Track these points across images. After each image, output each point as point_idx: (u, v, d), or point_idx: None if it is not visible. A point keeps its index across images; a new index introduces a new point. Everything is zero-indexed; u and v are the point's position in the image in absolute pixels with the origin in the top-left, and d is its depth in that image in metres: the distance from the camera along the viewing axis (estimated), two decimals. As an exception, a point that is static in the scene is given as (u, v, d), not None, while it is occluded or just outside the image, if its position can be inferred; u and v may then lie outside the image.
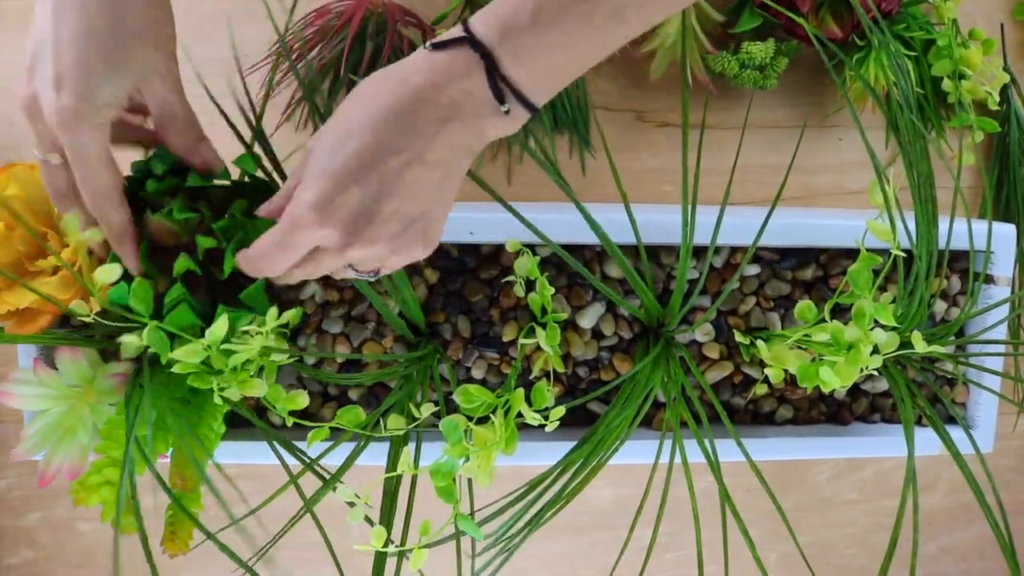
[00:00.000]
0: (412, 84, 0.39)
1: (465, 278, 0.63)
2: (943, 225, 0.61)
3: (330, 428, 0.55)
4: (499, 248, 0.64)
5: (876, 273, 0.59)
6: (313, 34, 0.71)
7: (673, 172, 0.82)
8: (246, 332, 0.52)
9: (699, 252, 0.65)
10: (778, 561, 0.92)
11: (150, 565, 0.48)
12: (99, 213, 0.46)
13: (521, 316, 0.64)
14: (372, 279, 0.49)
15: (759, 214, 0.60)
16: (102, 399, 0.54)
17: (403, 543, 0.54)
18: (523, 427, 0.58)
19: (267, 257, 0.43)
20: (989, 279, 0.67)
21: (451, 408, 0.60)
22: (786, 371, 0.61)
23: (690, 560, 0.92)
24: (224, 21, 0.76)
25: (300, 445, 0.57)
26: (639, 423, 0.60)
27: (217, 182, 0.53)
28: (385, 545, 0.52)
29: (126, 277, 0.50)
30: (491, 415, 0.55)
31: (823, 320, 0.59)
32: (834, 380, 0.56)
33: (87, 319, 0.51)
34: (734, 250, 0.66)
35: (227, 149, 0.54)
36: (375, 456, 0.59)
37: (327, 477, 0.54)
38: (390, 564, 0.54)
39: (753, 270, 0.66)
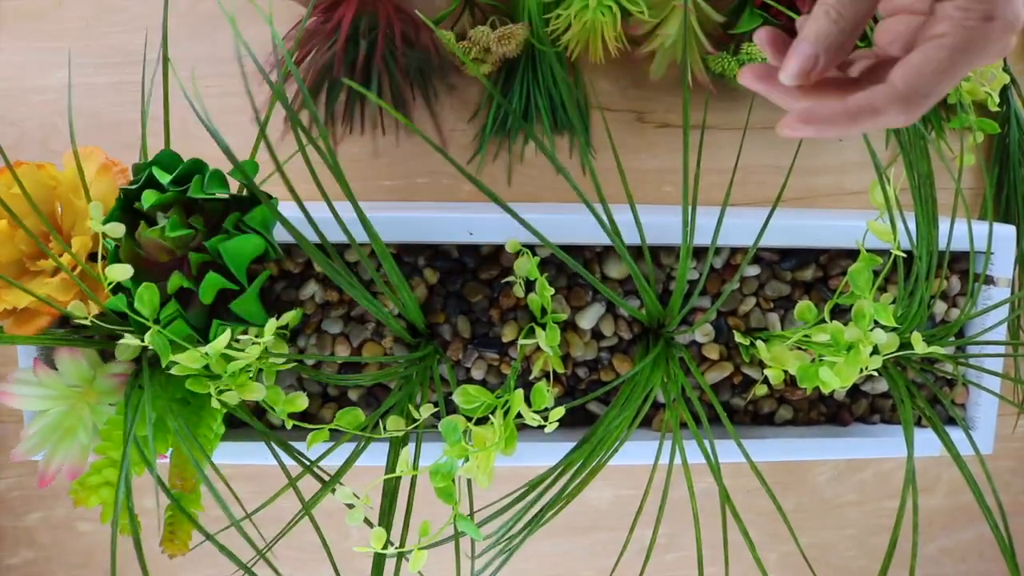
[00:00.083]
0: None
1: (465, 279, 0.63)
2: (943, 226, 0.61)
3: (329, 430, 0.55)
4: (499, 248, 0.64)
5: (876, 274, 0.59)
6: (308, 36, 0.71)
7: (673, 173, 0.82)
8: (242, 339, 0.52)
9: (699, 253, 0.65)
10: (778, 562, 0.92)
11: (141, 566, 0.48)
12: None
13: (521, 317, 0.64)
14: None
15: (759, 215, 0.60)
16: (102, 399, 0.54)
17: (402, 544, 0.54)
18: (522, 428, 0.58)
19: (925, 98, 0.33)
20: (989, 280, 0.67)
21: (451, 409, 0.60)
22: (786, 372, 0.61)
23: (690, 561, 0.92)
24: (224, 21, 0.76)
25: (299, 446, 0.57)
26: (639, 424, 0.60)
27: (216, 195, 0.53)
28: (384, 547, 0.52)
29: (131, 282, 0.50)
30: (490, 416, 0.55)
31: (823, 321, 0.59)
32: (834, 381, 0.56)
33: (85, 321, 0.51)
34: (734, 251, 0.66)
35: (237, 147, 0.54)
36: (375, 457, 0.59)
37: (326, 479, 0.54)
38: (389, 565, 0.54)
39: (753, 271, 0.66)
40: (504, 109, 0.78)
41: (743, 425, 0.68)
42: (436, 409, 0.58)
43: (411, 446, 0.58)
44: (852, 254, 0.66)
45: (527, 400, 0.57)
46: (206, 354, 0.50)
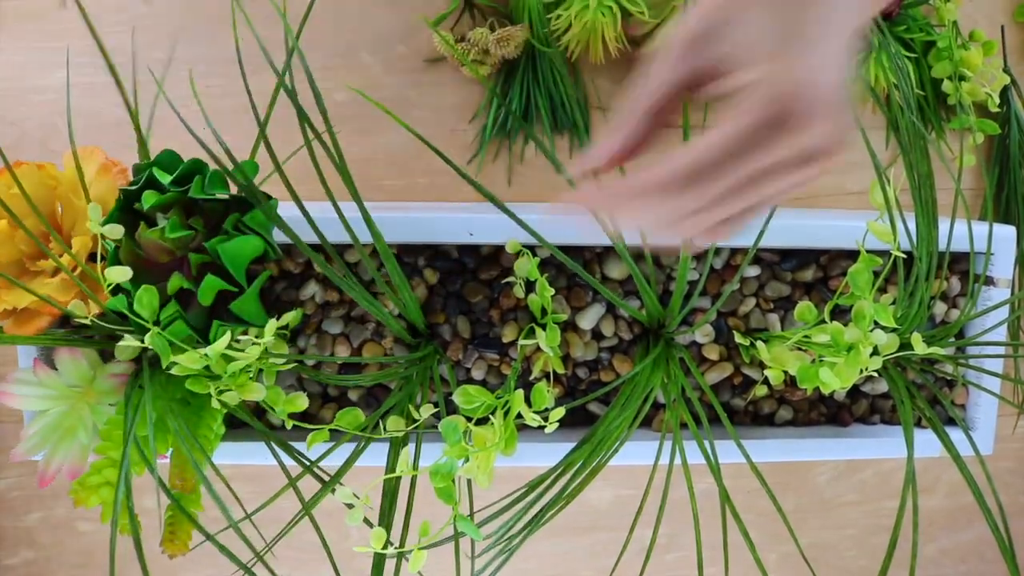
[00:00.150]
0: None
1: (465, 279, 0.63)
2: (943, 226, 0.61)
3: (329, 430, 0.55)
4: (499, 249, 0.64)
5: (876, 274, 0.59)
6: None
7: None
8: (242, 340, 0.52)
9: (699, 253, 0.65)
10: (778, 562, 0.92)
11: (141, 566, 0.48)
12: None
13: (521, 317, 0.64)
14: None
15: (759, 215, 0.60)
16: (102, 399, 0.54)
17: (402, 544, 0.54)
18: (523, 428, 0.58)
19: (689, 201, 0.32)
20: (989, 281, 0.67)
21: (451, 409, 0.60)
22: (786, 372, 0.61)
23: (690, 561, 0.92)
24: (224, 21, 0.76)
25: (299, 446, 0.57)
26: (639, 424, 0.60)
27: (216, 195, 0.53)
28: (384, 547, 0.52)
29: (131, 284, 0.50)
30: (491, 416, 0.55)
31: (823, 321, 0.59)
32: (834, 381, 0.56)
33: (85, 321, 0.51)
34: (734, 251, 0.66)
35: (237, 147, 0.54)
36: (375, 457, 0.59)
37: (326, 479, 0.54)
38: (389, 565, 0.54)
39: (753, 271, 0.66)
40: (504, 110, 0.78)
41: (743, 426, 0.68)
42: (436, 409, 0.58)
43: (411, 446, 0.58)
44: (852, 255, 0.66)
45: (527, 400, 0.57)
46: (206, 355, 0.50)
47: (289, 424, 0.56)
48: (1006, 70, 0.85)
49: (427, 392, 0.60)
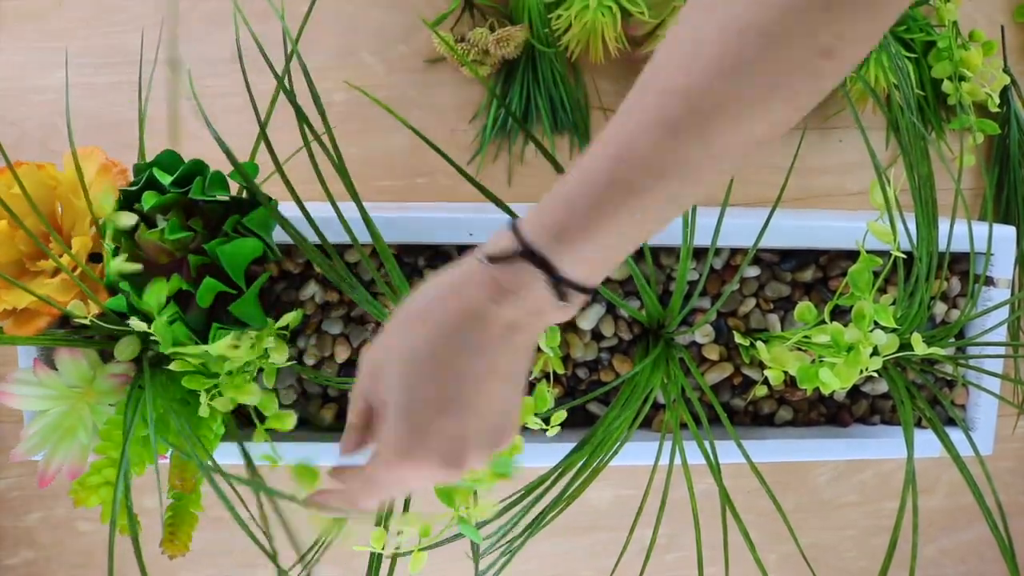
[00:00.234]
0: (472, 300, 0.38)
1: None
2: (943, 227, 0.61)
3: (329, 430, 0.55)
4: (499, 249, 0.63)
5: (876, 275, 0.59)
6: None
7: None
8: (242, 340, 0.52)
9: (699, 254, 0.65)
10: (778, 562, 0.92)
11: (140, 567, 0.48)
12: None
13: (521, 317, 0.63)
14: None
15: (759, 215, 0.60)
16: (102, 399, 0.54)
17: (399, 544, 0.54)
18: (523, 429, 0.58)
19: (358, 498, 0.42)
20: (989, 281, 0.67)
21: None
22: (786, 373, 0.61)
23: (690, 561, 0.92)
24: (224, 22, 0.76)
25: (300, 447, 0.57)
26: (639, 424, 0.60)
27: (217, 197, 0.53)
28: (383, 547, 0.52)
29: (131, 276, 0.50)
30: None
31: (823, 322, 0.59)
32: (834, 382, 0.56)
33: (85, 321, 0.51)
34: (734, 252, 0.66)
35: (237, 147, 0.54)
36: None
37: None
38: (385, 563, 0.54)
39: (753, 272, 0.66)
40: (504, 110, 0.78)
41: (743, 426, 0.68)
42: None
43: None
44: (852, 255, 0.66)
45: (527, 401, 0.57)
46: (207, 351, 0.50)
47: (263, 438, 0.56)
48: (1006, 70, 0.85)
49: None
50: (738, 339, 0.65)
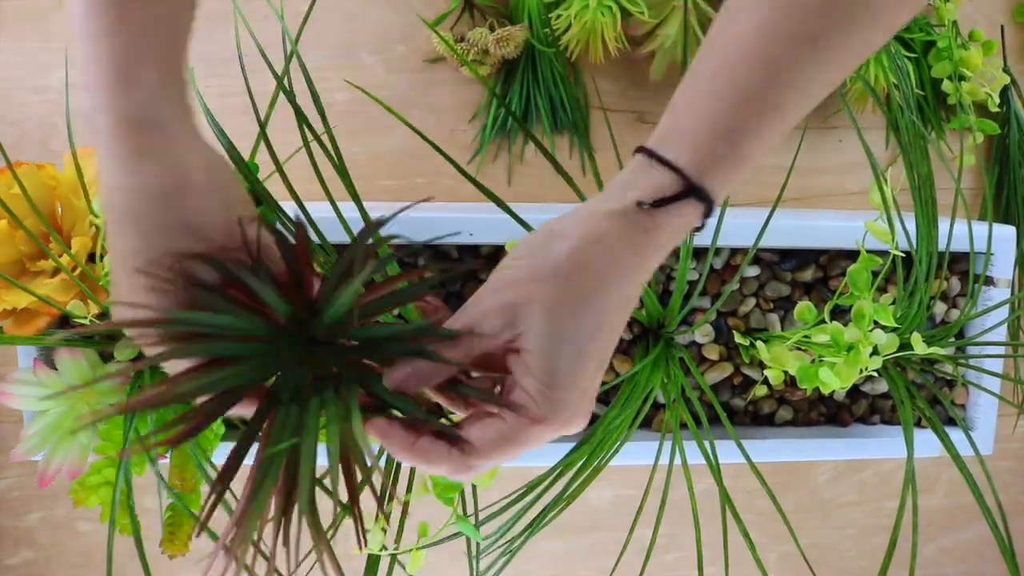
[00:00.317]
0: (638, 250, 0.36)
1: (465, 279, 0.63)
2: (943, 226, 0.61)
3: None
4: (499, 249, 0.64)
5: (876, 274, 0.59)
6: None
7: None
8: None
9: (699, 253, 0.65)
10: (777, 562, 0.92)
11: (143, 566, 0.48)
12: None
13: (521, 317, 0.63)
14: None
15: (759, 215, 0.60)
16: (102, 399, 0.54)
17: (398, 542, 0.54)
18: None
19: (489, 466, 0.38)
20: (989, 281, 0.67)
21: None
22: (786, 372, 0.61)
23: (690, 561, 0.92)
24: (224, 21, 0.76)
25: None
26: (639, 424, 0.60)
27: None
28: (381, 548, 0.52)
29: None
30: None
31: (823, 321, 0.59)
32: (834, 381, 0.56)
33: (85, 321, 0.51)
34: (734, 251, 0.66)
35: (237, 147, 0.54)
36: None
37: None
38: (384, 562, 0.54)
39: (753, 271, 0.66)
40: (504, 110, 0.78)
41: (743, 426, 0.68)
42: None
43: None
44: (852, 255, 0.66)
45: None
46: None
47: None
48: (1006, 70, 0.85)
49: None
50: (738, 339, 0.65)
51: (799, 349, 0.61)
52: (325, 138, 0.53)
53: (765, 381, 0.66)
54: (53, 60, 0.76)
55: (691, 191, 0.36)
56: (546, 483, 0.58)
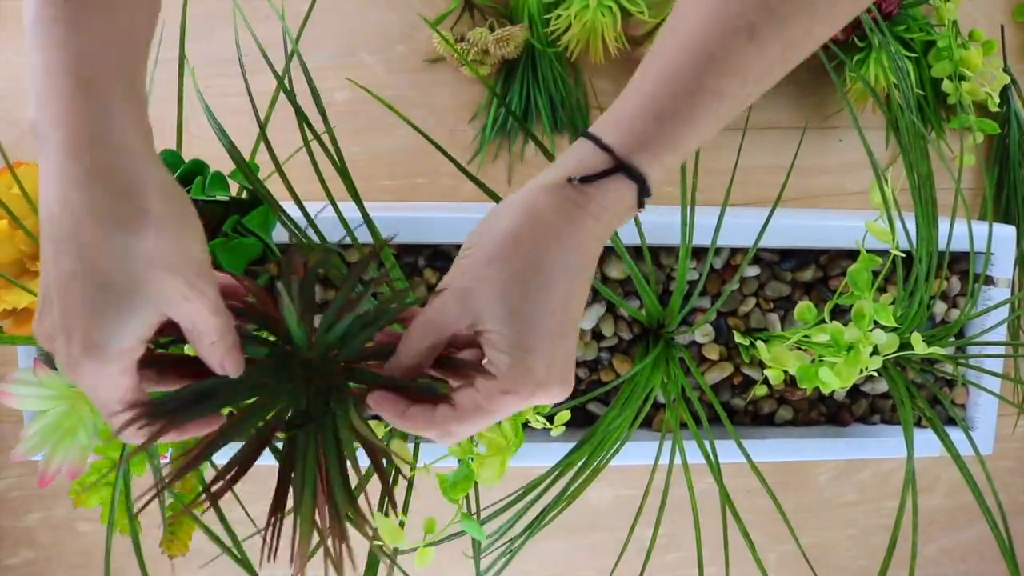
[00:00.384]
0: (573, 220, 0.38)
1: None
2: (943, 226, 0.61)
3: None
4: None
5: (876, 274, 0.59)
6: None
7: (674, 172, 0.82)
8: None
9: (699, 253, 0.65)
10: (778, 561, 0.92)
11: (140, 566, 0.48)
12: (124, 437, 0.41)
13: (521, 317, 0.63)
14: None
15: (759, 215, 0.60)
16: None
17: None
18: (524, 427, 0.58)
19: (464, 432, 0.40)
20: (989, 280, 0.67)
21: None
22: (786, 372, 0.61)
23: (690, 561, 0.92)
24: (224, 21, 0.76)
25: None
26: (639, 424, 0.60)
27: (216, 197, 0.53)
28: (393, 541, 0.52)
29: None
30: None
31: (823, 321, 0.59)
32: (834, 381, 0.56)
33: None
34: (734, 251, 0.66)
35: (235, 151, 0.54)
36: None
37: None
38: (383, 562, 0.54)
39: (753, 271, 0.66)
40: (504, 109, 0.78)
41: (743, 425, 0.68)
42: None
43: (410, 445, 0.58)
44: (852, 254, 0.66)
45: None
46: None
47: None
48: (1006, 70, 0.85)
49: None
50: (738, 339, 0.65)
51: (799, 349, 0.61)
52: (325, 138, 0.53)
53: (765, 381, 0.66)
54: (53, 60, 0.76)
55: (619, 168, 0.38)
56: (547, 483, 0.58)
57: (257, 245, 0.53)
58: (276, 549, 0.39)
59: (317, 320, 0.47)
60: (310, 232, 0.55)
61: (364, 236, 0.55)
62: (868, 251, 0.58)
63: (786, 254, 0.66)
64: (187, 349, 0.39)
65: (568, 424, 0.64)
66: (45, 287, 0.36)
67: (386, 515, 0.50)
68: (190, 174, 0.52)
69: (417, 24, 0.78)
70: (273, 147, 0.55)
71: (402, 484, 0.56)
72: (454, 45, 0.75)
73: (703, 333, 0.65)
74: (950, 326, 0.64)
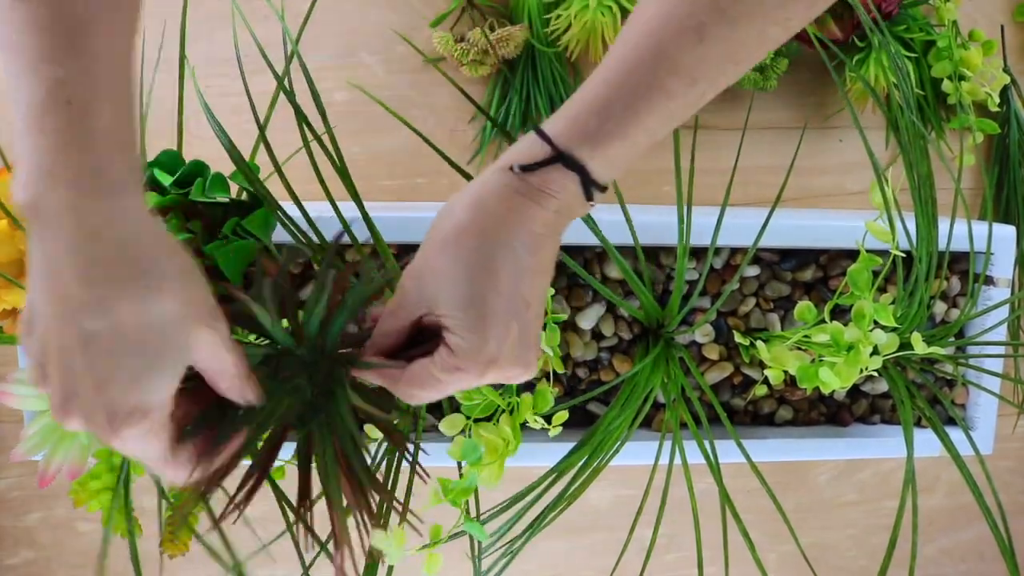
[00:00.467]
0: (516, 205, 0.40)
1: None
2: (943, 226, 0.61)
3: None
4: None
5: (876, 274, 0.59)
6: None
7: (674, 173, 0.82)
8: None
9: (699, 253, 0.65)
10: (777, 561, 0.92)
11: (135, 568, 0.48)
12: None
13: (521, 317, 0.63)
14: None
15: (759, 215, 0.60)
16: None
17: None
18: (523, 427, 0.58)
19: (415, 393, 0.43)
20: (989, 280, 0.67)
21: (454, 407, 0.60)
22: (786, 372, 0.61)
23: (690, 561, 0.92)
24: (224, 21, 0.76)
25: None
26: (639, 424, 0.60)
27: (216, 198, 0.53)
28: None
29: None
30: (494, 417, 0.55)
31: (823, 321, 0.59)
32: (834, 381, 0.56)
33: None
34: (734, 251, 0.66)
35: (232, 151, 0.54)
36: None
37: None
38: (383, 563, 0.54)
39: (753, 271, 0.66)
40: (504, 109, 0.78)
41: (743, 425, 0.68)
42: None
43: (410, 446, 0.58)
44: (852, 254, 0.66)
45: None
46: None
47: None
48: (1006, 70, 0.85)
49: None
50: (738, 338, 0.65)
51: (799, 349, 0.61)
52: (325, 138, 0.53)
53: (765, 381, 0.66)
54: (53, 60, 0.75)
55: (558, 158, 0.39)
56: (547, 483, 0.58)
57: (256, 247, 0.53)
58: (309, 538, 0.42)
59: None
60: (310, 233, 0.55)
61: (364, 236, 0.55)
62: (868, 251, 0.58)
63: (786, 254, 0.66)
64: None
65: (568, 424, 0.64)
66: (41, 351, 0.36)
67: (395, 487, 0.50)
68: (190, 175, 0.52)
69: (417, 24, 0.78)
70: (273, 147, 0.55)
71: (401, 484, 0.56)
72: (453, 46, 0.75)
73: (703, 333, 0.65)
74: (950, 326, 0.64)
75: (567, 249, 0.62)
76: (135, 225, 0.35)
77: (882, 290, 0.66)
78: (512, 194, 0.40)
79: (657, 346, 0.62)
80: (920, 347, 0.56)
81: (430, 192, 0.81)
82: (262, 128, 0.55)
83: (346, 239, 0.55)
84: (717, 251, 0.65)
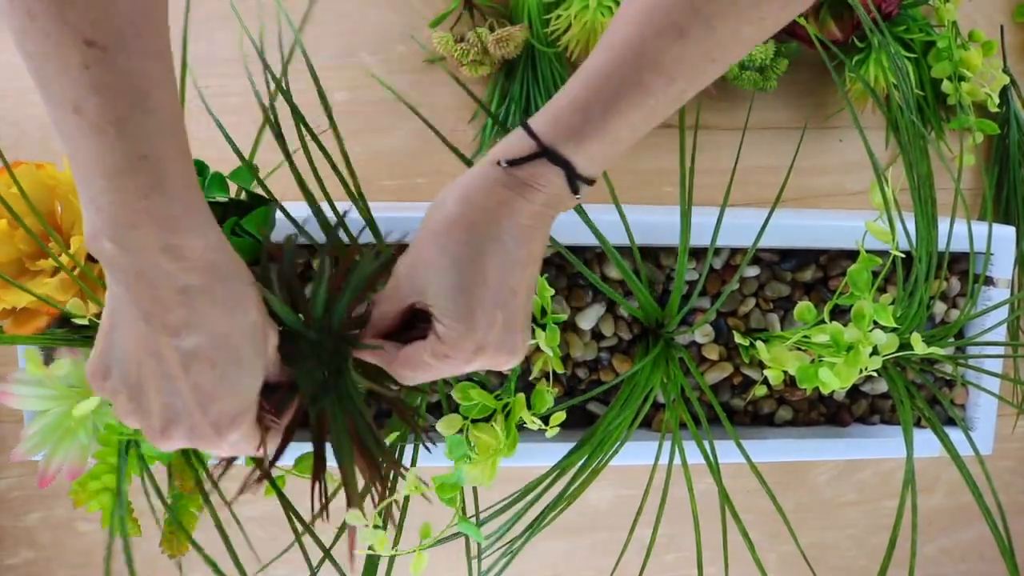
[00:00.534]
0: (503, 199, 0.42)
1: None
2: (943, 226, 0.61)
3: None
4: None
5: (876, 274, 0.59)
6: None
7: (674, 173, 0.82)
8: None
9: (699, 253, 0.65)
10: (777, 562, 0.92)
11: (129, 570, 0.48)
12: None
13: (521, 317, 0.63)
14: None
15: (759, 215, 0.60)
16: (102, 400, 0.54)
17: (396, 542, 0.54)
18: (522, 428, 0.58)
19: (407, 375, 0.46)
20: (989, 281, 0.67)
21: (452, 407, 0.60)
22: (785, 372, 0.61)
23: (690, 561, 0.92)
24: (224, 21, 0.76)
25: (299, 446, 0.57)
26: (639, 424, 0.60)
27: (216, 198, 0.53)
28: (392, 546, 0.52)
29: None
30: (492, 417, 0.55)
31: (823, 321, 0.59)
32: (833, 381, 0.56)
33: (84, 321, 0.51)
34: (734, 251, 0.66)
35: (233, 153, 0.54)
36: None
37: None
38: (383, 562, 0.54)
39: (753, 271, 0.66)
40: (504, 109, 0.78)
41: (743, 426, 0.68)
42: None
43: (408, 446, 0.58)
44: (852, 255, 0.66)
45: (527, 403, 0.57)
46: None
47: None
48: (1005, 70, 0.85)
49: (427, 391, 0.60)
50: (738, 339, 0.65)
51: (799, 349, 0.61)
52: (323, 138, 0.53)
53: (765, 381, 0.66)
54: (53, 60, 0.76)
55: (543, 153, 0.41)
56: (546, 483, 0.58)
57: (255, 246, 0.53)
58: (323, 511, 0.45)
59: None
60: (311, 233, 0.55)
61: (363, 236, 0.55)
62: (868, 251, 0.58)
63: (786, 254, 0.66)
64: None
65: (568, 424, 0.64)
66: (130, 388, 0.41)
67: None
68: (190, 174, 0.52)
69: (417, 24, 0.78)
70: (270, 149, 0.55)
71: (402, 485, 0.56)
72: (453, 46, 0.75)
73: (703, 333, 0.65)
74: (950, 326, 0.64)
75: (568, 249, 0.62)
76: (218, 250, 0.40)
77: (882, 290, 0.66)
78: (500, 188, 0.41)
79: (657, 346, 0.62)
80: (920, 347, 0.56)
81: (430, 192, 0.81)
82: (261, 129, 0.55)
83: (345, 240, 0.55)
84: (717, 251, 0.65)
